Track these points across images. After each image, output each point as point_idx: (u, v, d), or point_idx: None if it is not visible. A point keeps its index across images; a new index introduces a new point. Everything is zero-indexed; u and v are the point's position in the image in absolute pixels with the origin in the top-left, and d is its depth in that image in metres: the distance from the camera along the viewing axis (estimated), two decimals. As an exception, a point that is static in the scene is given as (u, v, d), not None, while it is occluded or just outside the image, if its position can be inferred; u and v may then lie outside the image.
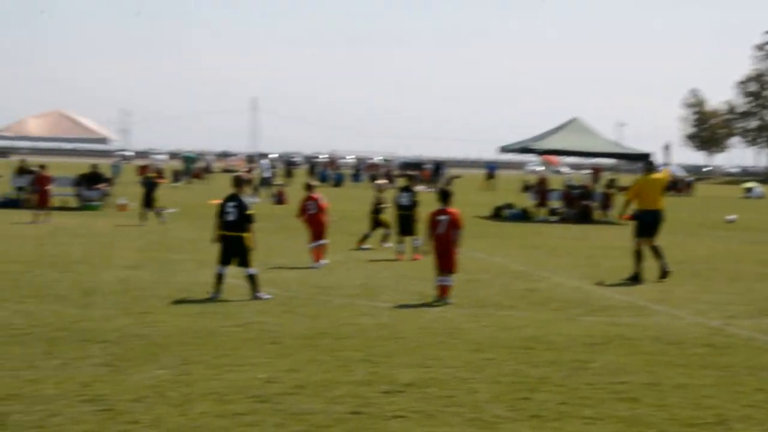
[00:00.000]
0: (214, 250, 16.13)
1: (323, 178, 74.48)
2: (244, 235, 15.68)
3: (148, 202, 32.04)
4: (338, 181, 76.54)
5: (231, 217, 15.68)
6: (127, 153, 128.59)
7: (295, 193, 38.86)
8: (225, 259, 15.73)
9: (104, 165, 42.06)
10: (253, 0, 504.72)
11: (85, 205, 38.15)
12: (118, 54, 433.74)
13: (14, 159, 43.37)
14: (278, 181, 54.86)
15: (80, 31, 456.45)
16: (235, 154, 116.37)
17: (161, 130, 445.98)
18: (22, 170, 40.62)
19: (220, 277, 15.61)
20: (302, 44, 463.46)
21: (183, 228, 29.48)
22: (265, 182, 50.18)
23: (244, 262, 15.70)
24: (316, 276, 18.81)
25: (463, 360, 11.57)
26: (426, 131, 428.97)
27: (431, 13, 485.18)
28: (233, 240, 15.70)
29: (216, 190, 55.09)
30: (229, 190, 16.09)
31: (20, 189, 38.92)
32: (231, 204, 15.77)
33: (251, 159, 62.78)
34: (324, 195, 21.88)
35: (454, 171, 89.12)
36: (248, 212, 15.72)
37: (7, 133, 39.15)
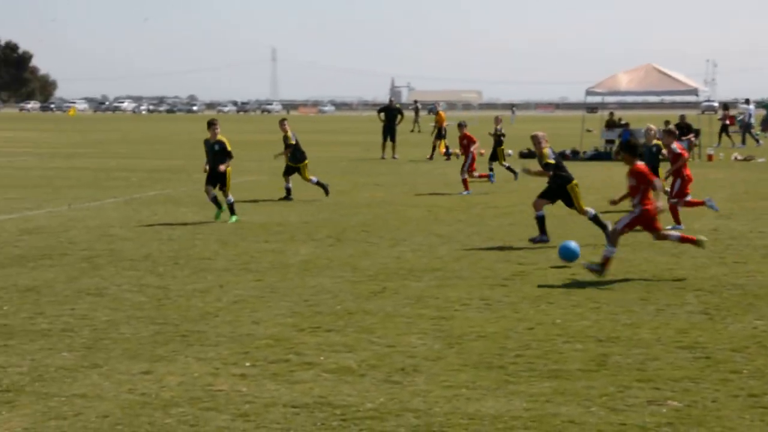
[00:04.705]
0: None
1: None
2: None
3: None
4: None
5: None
6: (712, 103, 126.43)
7: None
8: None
9: (692, 116, 41.80)
10: None
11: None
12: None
13: (604, 114, 44.71)
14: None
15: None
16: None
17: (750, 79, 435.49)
18: (611, 124, 41.84)
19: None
20: None
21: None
22: (747, 128, 47.71)
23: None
24: None
25: None
26: None
27: None
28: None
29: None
30: None
31: (609, 142, 40.28)
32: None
33: (726, 106, 58.52)
34: None
35: None
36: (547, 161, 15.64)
37: (599, 89, 40.43)
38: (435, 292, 11.89)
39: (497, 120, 30.47)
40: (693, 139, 38.98)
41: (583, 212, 15.66)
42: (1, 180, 27.89)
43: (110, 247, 15.28)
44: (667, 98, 58.77)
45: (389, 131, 38.85)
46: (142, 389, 7.88)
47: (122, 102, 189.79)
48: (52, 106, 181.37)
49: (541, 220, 15.66)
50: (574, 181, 15.73)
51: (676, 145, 18.19)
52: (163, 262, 13.92)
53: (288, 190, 22.69)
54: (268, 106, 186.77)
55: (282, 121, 23.55)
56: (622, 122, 42.28)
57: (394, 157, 38.11)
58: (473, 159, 25.62)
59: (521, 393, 7.82)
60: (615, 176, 29.35)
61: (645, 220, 12.98)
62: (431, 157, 38.31)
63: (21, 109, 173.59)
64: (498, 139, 29.43)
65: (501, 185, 26.46)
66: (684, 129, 39.37)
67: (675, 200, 17.61)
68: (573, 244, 13.66)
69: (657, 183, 13.01)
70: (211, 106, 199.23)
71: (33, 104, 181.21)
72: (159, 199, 22.26)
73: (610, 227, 14.11)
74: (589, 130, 44.97)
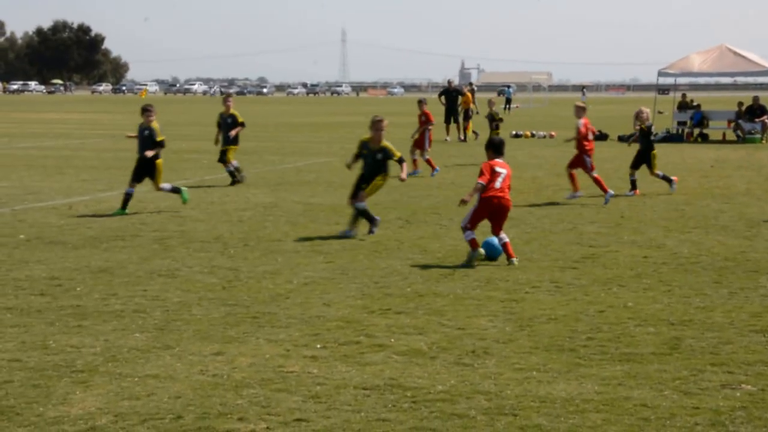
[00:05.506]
0: None
1: None
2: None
3: None
4: None
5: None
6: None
7: None
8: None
9: (765, 97, 41.11)
10: None
11: (745, 138, 37.72)
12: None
13: (675, 95, 44.12)
14: None
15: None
16: None
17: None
18: (683, 106, 41.31)
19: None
20: None
21: None
22: None
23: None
24: None
25: None
26: None
27: None
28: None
29: None
30: None
31: (681, 124, 39.80)
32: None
33: None
34: None
35: None
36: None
37: (671, 70, 39.92)
38: (505, 275, 11.85)
39: (490, 103, 28.31)
40: (766, 120, 38.31)
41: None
42: (75, 162, 28.34)
43: (181, 229, 15.45)
44: (740, 79, 57.71)
45: (451, 113, 38.87)
46: (213, 370, 7.95)
47: (193, 84, 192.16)
48: (124, 88, 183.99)
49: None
50: None
51: (582, 122, 19.38)
52: (234, 244, 14.04)
53: (235, 170, 22.01)
54: (338, 88, 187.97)
55: (226, 98, 22.53)
56: (694, 104, 41.70)
57: (460, 139, 38.05)
58: (429, 138, 25.10)
59: (593, 376, 7.76)
60: (687, 158, 29.02)
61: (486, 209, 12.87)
62: (464, 139, 38.23)
63: (93, 92, 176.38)
64: (493, 123, 27.25)
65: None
66: (757, 110, 38.74)
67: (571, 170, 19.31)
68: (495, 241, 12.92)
69: (479, 185, 12.77)
70: (280, 88, 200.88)
71: (105, 86, 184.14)
72: (230, 180, 22.41)
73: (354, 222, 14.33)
74: (660, 112, 44.47)
